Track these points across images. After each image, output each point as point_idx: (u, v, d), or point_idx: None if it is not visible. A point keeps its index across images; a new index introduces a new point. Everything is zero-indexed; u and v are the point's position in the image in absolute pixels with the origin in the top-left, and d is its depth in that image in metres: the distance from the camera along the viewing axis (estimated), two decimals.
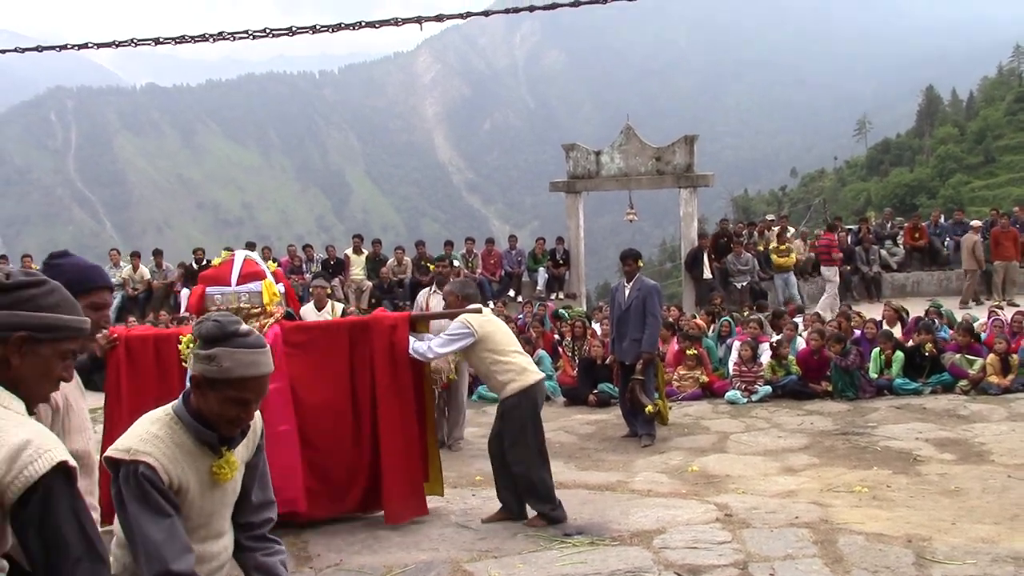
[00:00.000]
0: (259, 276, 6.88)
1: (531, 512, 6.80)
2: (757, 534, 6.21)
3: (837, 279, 18.26)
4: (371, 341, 6.82)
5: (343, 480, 6.92)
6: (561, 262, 20.12)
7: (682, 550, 5.96)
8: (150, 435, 2.55)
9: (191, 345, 2.60)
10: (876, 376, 11.65)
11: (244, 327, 2.60)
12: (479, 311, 7.04)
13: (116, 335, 6.70)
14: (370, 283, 19.82)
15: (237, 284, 6.76)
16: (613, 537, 6.25)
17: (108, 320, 2.94)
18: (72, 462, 2.06)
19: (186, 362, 2.62)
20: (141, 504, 2.43)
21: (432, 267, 11.84)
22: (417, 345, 6.88)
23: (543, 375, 7.20)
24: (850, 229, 21.24)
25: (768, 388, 11.58)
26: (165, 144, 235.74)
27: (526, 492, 6.79)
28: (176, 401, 2.65)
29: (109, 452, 2.54)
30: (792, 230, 20.65)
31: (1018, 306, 15.75)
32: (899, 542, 5.93)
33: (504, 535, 6.38)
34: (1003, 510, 6.61)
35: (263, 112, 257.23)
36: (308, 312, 10.08)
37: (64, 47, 8.23)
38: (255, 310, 6.78)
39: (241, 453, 2.73)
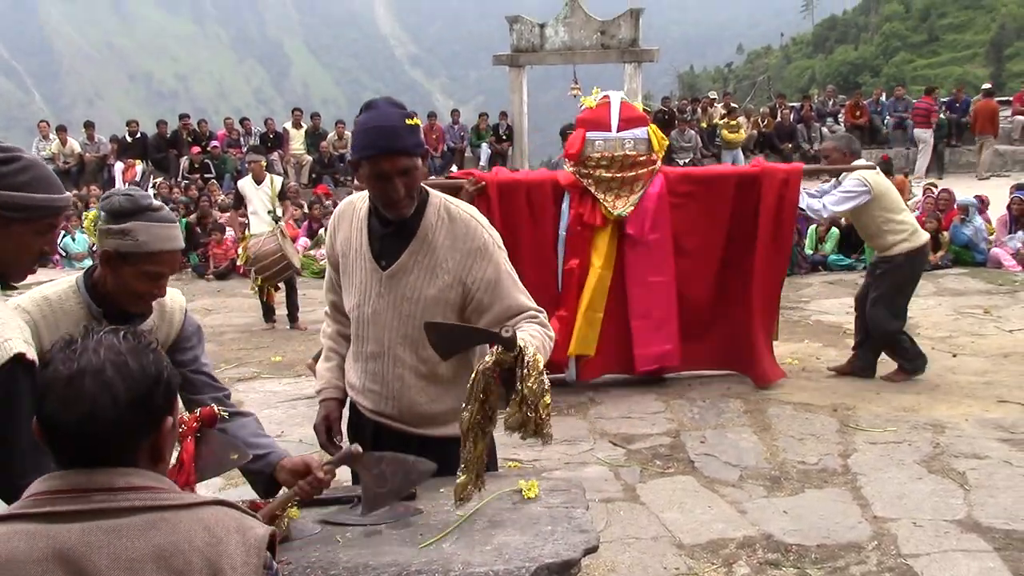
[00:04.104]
0: (642, 121, 6.63)
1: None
2: (690, 405, 6.40)
3: (931, 140, 18.76)
4: (759, 194, 6.60)
5: (707, 336, 6.89)
6: (504, 137, 19.91)
7: (617, 420, 6.12)
8: (41, 296, 2.49)
9: (96, 222, 2.50)
10: (811, 252, 11.86)
11: (156, 201, 2.52)
12: (872, 168, 6.80)
13: (484, 180, 6.51)
14: (310, 157, 19.50)
15: (619, 130, 6.50)
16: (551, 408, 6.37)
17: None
18: (31, 355, 1.98)
19: (93, 238, 2.50)
20: None
21: None
22: (811, 201, 6.68)
23: (928, 235, 7.10)
24: (792, 107, 21.25)
25: None
26: (93, 11, 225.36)
27: (884, 346, 6.86)
28: (82, 272, 2.58)
29: None
30: (736, 107, 20.63)
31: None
32: (825, 411, 6.16)
33: None
34: (925, 380, 6.85)
35: None
36: (246, 185, 9.90)
37: None
38: (641, 157, 6.54)
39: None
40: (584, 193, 6.57)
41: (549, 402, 2.43)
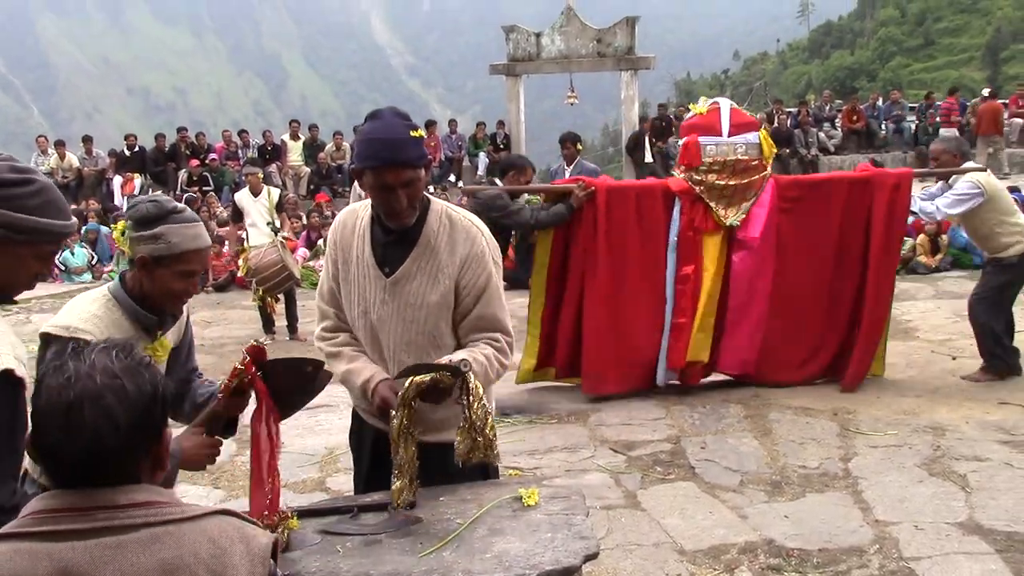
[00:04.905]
0: (753, 126, 6.66)
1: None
2: (690, 411, 6.40)
3: None
4: (871, 199, 6.57)
5: (810, 347, 6.84)
6: (502, 146, 19.93)
7: (617, 427, 6.12)
8: (89, 314, 2.52)
9: (125, 231, 2.55)
10: None
11: (179, 204, 2.59)
12: (984, 170, 6.75)
13: (594, 186, 6.53)
14: (308, 169, 19.54)
15: (730, 135, 6.53)
16: (551, 416, 6.38)
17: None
18: (20, 371, 1.98)
19: (122, 248, 2.52)
20: None
21: None
22: (924, 204, 6.66)
23: None
24: (790, 112, 21.29)
25: None
26: (91, 25, 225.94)
27: (983, 343, 6.81)
28: (112, 283, 2.61)
29: (45, 327, 2.49)
30: None
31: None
32: (826, 415, 6.16)
33: None
34: (925, 383, 6.87)
35: None
36: (244, 198, 9.91)
37: None
38: (753, 162, 6.57)
39: (170, 337, 2.72)
40: (696, 199, 6.58)
41: (494, 425, 2.61)
